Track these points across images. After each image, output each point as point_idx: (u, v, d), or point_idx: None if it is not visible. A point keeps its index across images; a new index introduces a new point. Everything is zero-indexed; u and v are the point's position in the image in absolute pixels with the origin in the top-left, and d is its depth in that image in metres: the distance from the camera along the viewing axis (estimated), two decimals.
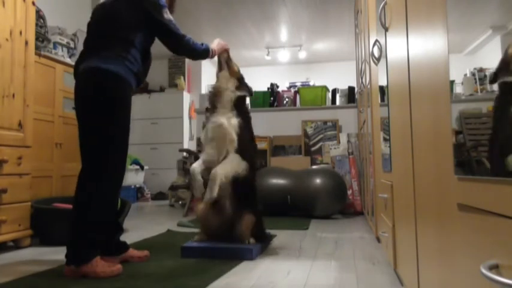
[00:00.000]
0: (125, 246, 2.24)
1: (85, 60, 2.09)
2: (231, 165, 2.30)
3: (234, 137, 2.34)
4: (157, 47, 2.31)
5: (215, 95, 2.51)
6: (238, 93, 2.51)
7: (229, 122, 2.38)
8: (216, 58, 2.53)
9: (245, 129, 2.43)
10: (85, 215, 1.97)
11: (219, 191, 2.27)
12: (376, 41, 2.07)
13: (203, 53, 2.35)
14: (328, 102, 6.10)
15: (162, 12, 2.18)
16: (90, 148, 2.04)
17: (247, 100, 3.12)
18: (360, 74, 3.61)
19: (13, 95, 2.57)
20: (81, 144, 2.07)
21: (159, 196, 6.31)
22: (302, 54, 7.22)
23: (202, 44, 2.34)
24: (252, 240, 2.40)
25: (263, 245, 2.49)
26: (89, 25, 2.22)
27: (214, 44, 2.48)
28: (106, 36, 2.13)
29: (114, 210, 2.23)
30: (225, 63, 2.58)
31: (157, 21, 2.17)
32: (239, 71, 2.63)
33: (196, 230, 2.78)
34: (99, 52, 2.07)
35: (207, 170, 2.32)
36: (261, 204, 2.65)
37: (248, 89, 2.60)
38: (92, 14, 2.26)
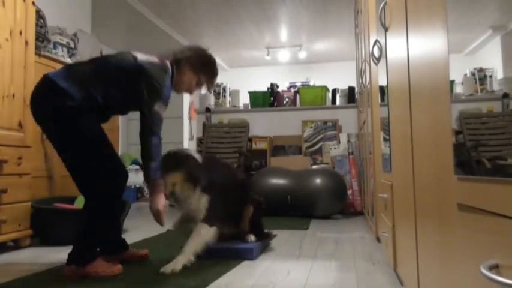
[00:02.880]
0: (124, 246, 2.24)
1: None
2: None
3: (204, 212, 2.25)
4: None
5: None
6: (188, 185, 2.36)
7: (200, 203, 2.29)
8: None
9: (217, 191, 2.30)
10: (92, 220, 1.98)
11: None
12: (376, 41, 2.07)
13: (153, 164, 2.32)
14: (328, 102, 6.09)
15: None
16: (73, 172, 2.08)
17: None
18: (360, 74, 3.61)
19: (13, 95, 2.57)
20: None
21: None
22: (302, 54, 7.22)
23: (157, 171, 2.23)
24: (252, 238, 2.42)
25: (263, 245, 2.50)
26: None
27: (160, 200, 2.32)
28: None
29: (119, 212, 2.25)
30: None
31: None
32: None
33: None
34: None
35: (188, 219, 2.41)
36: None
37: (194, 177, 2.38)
38: None
